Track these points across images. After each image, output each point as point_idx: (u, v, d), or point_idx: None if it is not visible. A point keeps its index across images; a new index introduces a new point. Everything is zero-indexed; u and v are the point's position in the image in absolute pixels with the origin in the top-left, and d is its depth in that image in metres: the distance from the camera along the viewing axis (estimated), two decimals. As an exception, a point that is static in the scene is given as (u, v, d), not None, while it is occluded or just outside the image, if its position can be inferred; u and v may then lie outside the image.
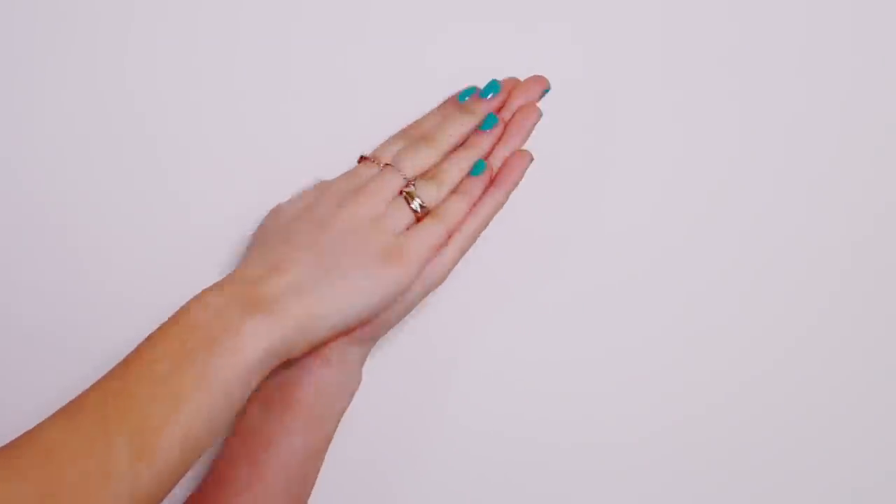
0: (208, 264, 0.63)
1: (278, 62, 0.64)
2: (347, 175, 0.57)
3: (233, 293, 0.49)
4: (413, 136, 0.59)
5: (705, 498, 0.66)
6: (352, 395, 0.57)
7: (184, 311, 0.49)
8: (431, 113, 0.61)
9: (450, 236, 0.56)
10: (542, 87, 0.60)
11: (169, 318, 0.49)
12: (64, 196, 0.63)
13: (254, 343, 0.48)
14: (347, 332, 0.54)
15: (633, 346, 0.65)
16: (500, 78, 0.61)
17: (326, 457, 0.62)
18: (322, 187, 0.57)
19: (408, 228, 0.55)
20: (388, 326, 0.57)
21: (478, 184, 0.57)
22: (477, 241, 0.63)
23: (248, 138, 0.64)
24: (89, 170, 0.63)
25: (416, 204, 0.55)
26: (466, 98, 0.60)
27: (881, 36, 0.67)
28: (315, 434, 0.55)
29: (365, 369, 0.64)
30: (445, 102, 0.61)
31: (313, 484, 0.56)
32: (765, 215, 0.66)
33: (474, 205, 0.57)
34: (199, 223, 0.63)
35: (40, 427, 0.44)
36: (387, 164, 0.57)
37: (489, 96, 0.59)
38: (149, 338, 0.48)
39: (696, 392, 0.66)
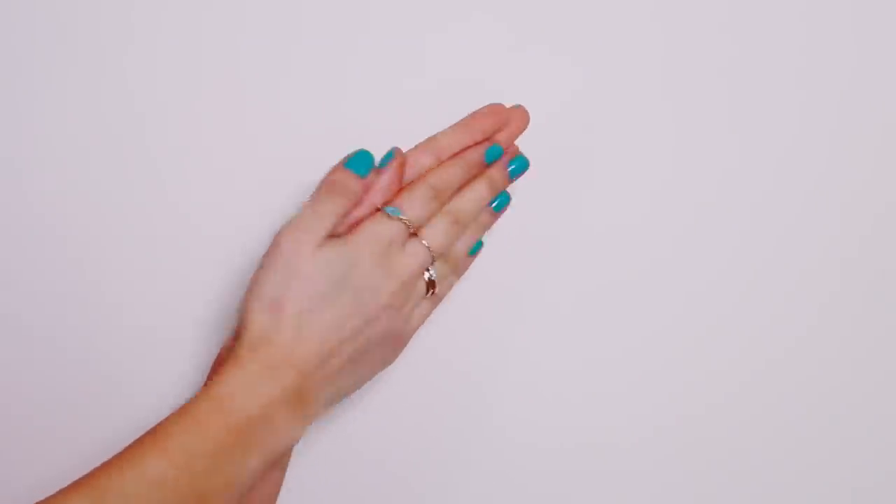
0: (208, 266, 0.63)
1: (277, 64, 0.64)
2: (379, 240, 0.53)
3: (285, 388, 0.49)
4: (442, 195, 0.56)
5: (705, 498, 0.65)
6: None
7: (228, 394, 0.48)
8: (454, 164, 0.57)
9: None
10: (524, 123, 0.59)
11: (210, 394, 0.48)
12: (64, 198, 0.63)
13: (289, 442, 0.49)
14: None
15: (633, 347, 0.65)
16: (504, 99, 0.59)
17: (326, 457, 0.62)
18: (358, 254, 0.52)
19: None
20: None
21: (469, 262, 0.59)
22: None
23: (247, 140, 0.64)
24: (90, 171, 0.63)
25: (428, 276, 0.55)
26: (495, 158, 0.58)
27: (881, 37, 0.66)
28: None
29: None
30: (468, 157, 0.57)
31: None
32: (765, 217, 0.66)
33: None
34: (200, 224, 0.63)
35: None
36: (413, 234, 0.54)
37: (513, 173, 0.58)
38: (189, 414, 0.47)
39: (695, 393, 0.65)
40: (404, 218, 0.54)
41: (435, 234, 0.55)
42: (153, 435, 0.46)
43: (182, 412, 0.47)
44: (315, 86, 0.64)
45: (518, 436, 0.65)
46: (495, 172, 0.57)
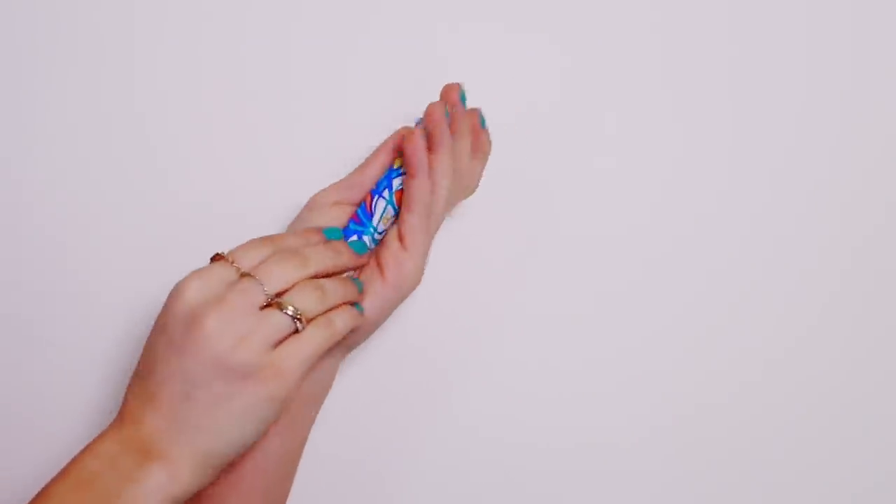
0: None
1: (276, 64, 0.64)
2: (200, 278, 0.50)
3: (123, 439, 0.48)
4: (279, 246, 0.53)
5: (705, 498, 0.66)
6: (325, 396, 0.55)
7: (76, 462, 0.47)
8: (294, 232, 0.55)
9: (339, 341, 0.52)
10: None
11: (62, 471, 0.47)
12: (64, 197, 0.63)
13: (157, 492, 0.47)
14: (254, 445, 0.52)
15: (631, 346, 0.65)
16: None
17: (325, 458, 0.62)
18: (173, 296, 0.50)
19: (287, 336, 0.50)
20: (361, 340, 0.56)
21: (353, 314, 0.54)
22: (474, 245, 0.64)
23: (247, 140, 0.64)
24: (90, 171, 0.63)
25: (290, 311, 0.50)
26: (334, 238, 0.55)
27: (881, 36, 0.66)
28: (292, 437, 0.54)
29: (364, 372, 0.64)
30: (309, 230, 0.56)
31: (291, 484, 0.55)
32: (765, 217, 0.66)
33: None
34: (199, 224, 0.63)
35: None
36: (246, 274, 0.51)
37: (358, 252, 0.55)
38: (43, 493, 0.47)
39: (695, 393, 0.66)
40: (228, 256, 0.52)
41: (270, 275, 0.51)
42: None
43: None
44: (314, 85, 0.65)
45: (517, 436, 0.65)
46: (336, 244, 0.55)
